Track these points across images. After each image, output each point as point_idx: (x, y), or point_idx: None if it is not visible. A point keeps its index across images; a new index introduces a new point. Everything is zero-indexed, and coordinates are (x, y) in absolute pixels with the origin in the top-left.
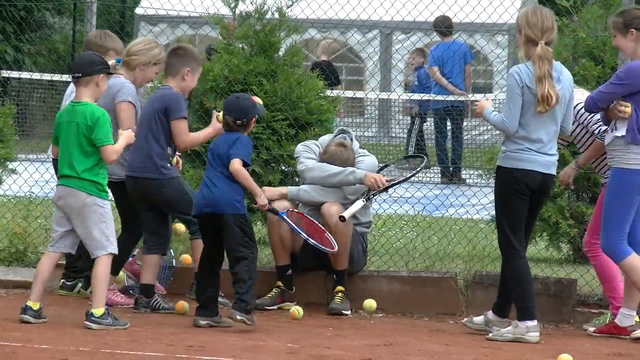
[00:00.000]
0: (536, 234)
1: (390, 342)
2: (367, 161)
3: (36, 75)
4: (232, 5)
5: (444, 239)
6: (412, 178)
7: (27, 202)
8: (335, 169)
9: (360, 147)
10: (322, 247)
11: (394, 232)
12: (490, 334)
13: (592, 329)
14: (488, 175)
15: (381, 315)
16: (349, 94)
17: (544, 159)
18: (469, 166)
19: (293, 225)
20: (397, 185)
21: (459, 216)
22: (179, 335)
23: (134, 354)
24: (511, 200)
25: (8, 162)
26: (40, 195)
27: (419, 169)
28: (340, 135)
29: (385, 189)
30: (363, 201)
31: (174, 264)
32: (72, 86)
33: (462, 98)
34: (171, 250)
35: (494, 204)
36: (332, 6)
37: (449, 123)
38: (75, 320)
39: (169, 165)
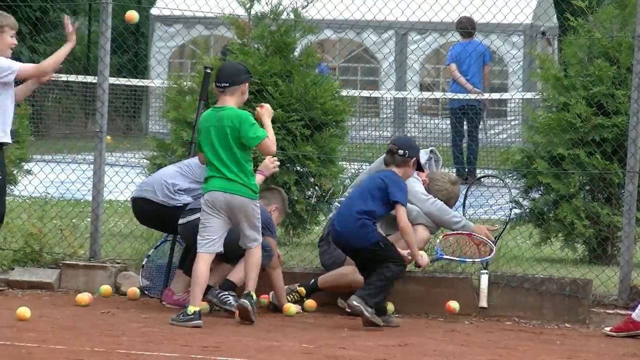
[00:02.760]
0: (551, 235)
1: (405, 343)
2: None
3: None
4: (248, 5)
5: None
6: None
7: (42, 203)
8: (455, 217)
9: (377, 149)
10: (483, 258)
11: None
12: None
13: (608, 328)
14: (504, 176)
15: (397, 315)
16: (365, 94)
17: None
18: (485, 167)
19: (456, 259)
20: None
21: (477, 217)
22: (194, 335)
23: (149, 354)
24: None
25: (24, 163)
26: (56, 196)
27: (509, 218)
28: (429, 156)
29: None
30: (487, 273)
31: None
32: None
33: (478, 97)
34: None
35: (510, 204)
36: (348, 7)
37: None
38: (90, 320)
39: None
